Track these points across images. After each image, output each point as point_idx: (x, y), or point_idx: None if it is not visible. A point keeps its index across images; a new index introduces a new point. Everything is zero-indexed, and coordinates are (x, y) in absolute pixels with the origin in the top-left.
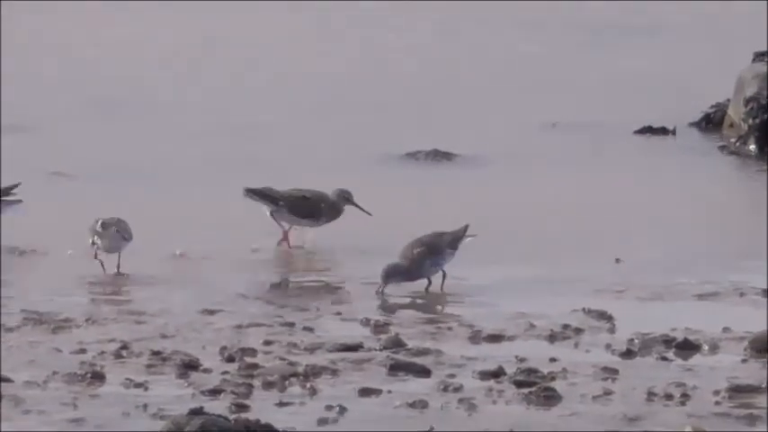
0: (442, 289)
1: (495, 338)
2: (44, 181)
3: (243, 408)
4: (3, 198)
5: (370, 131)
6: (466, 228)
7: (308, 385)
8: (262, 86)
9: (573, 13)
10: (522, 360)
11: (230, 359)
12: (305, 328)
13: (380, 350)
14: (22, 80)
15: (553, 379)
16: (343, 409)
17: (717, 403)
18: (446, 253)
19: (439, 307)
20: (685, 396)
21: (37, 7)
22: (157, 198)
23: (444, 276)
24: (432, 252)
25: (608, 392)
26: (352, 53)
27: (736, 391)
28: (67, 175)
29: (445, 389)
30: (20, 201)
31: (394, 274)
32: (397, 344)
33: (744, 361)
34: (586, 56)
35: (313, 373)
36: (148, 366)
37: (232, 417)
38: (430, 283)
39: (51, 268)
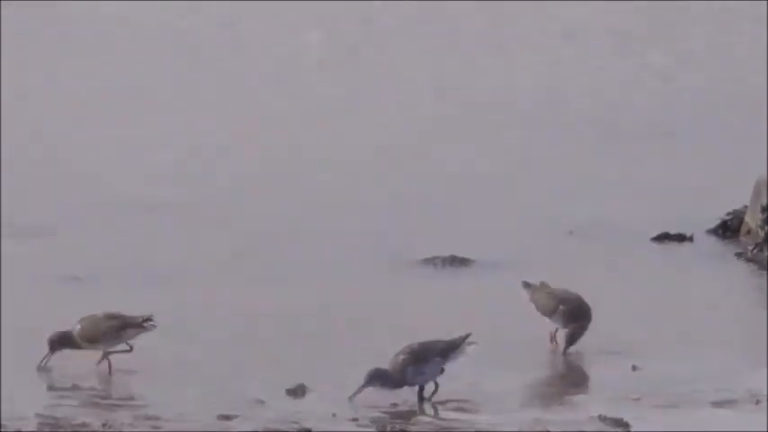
0: (430, 398)
1: None
2: (57, 285)
3: None
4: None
5: (385, 236)
6: (466, 337)
7: None
8: (274, 184)
9: (586, 116)
10: None
11: None
12: None
13: None
14: (34, 184)
15: None
16: None
17: None
18: (433, 362)
19: (455, 414)
20: None
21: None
22: (170, 298)
23: (436, 388)
24: (416, 360)
25: None
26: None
27: None
28: (81, 279)
29: None
30: (154, 326)
31: (376, 378)
32: None
33: None
34: (602, 159)
35: None
36: None
37: None
38: (435, 388)
39: (66, 372)
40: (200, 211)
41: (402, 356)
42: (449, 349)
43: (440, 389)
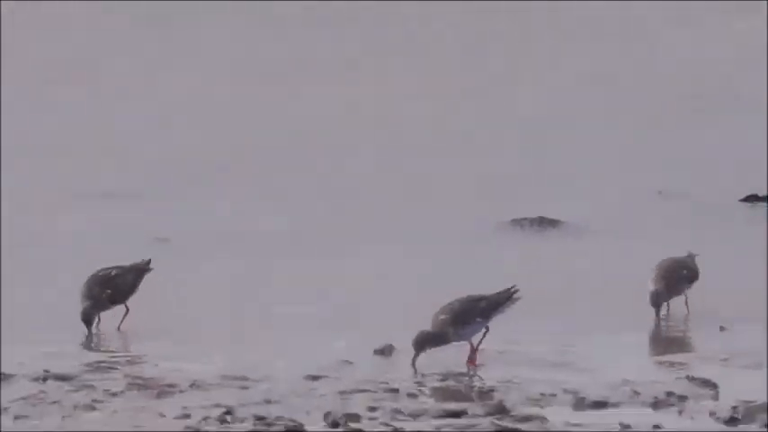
0: (471, 360)
1: (600, 405)
2: (148, 247)
3: None
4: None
5: (475, 197)
6: (510, 291)
7: None
8: (357, 147)
9: (677, 86)
10: (626, 427)
11: (334, 425)
12: (409, 395)
13: (484, 416)
14: (124, 147)
15: None
16: None
17: None
18: (473, 323)
19: (543, 373)
20: None
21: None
22: (257, 263)
23: (478, 345)
24: (456, 321)
25: None
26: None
27: None
28: (169, 241)
29: None
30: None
31: (422, 342)
32: (501, 410)
33: None
34: (689, 127)
35: None
36: None
37: None
38: (479, 342)
39: (155, 333)
40: (291, 177)
41: (442, 317)
42: (491, 308)
43: (521, 346)
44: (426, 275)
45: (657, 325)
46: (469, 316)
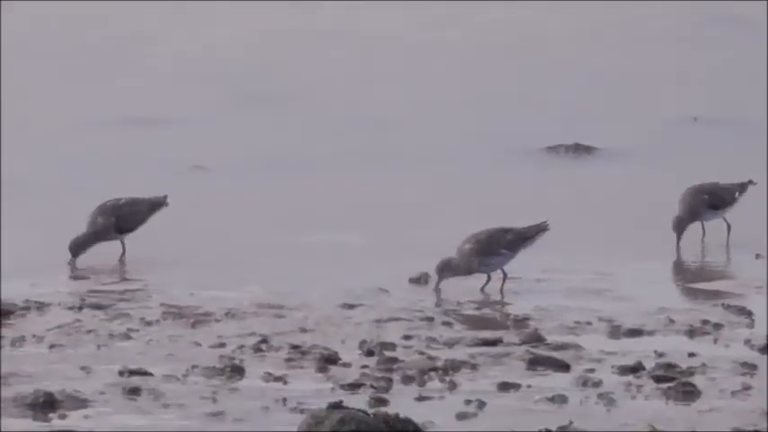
0: (501, 291)
1: (635, 333)
2: (186, 175)
3: (382, 402)
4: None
5: (510, 124)
6: (541, 226)
7: (448, 379)
8: (396, 79)
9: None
10: (661, 355)
11: (370, 353)
12: (444, 323)
13: (520, 345)
14: (162, 74)
15: (692, 374)
16: (482, 404)
17: None
18: (499, 254)
19: (578, 302)
20: None
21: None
22: (295, 190)
23: (504, 277)
24: (481, 251)
25: (747, 387)
26: (488, 42)
27: None
28: (206, 169)
29: (584, 384)
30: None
31: (445, 269)
32: (536, 339)
33: None
34: (723, 51)
35: (452, 367)
36: (288, 360)
37: (371, 411)
38: (488, 280)
39: (191, 262)
40: (326, 104)
41: (468, 246)
42: (518, 240)
43: (556, 274)
44: (461, 204)
45: (693, 253)
46: (495, 247)
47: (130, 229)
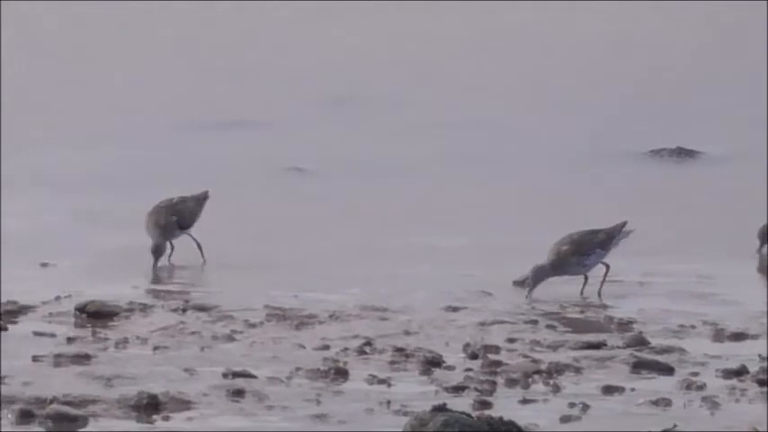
0: (600, 291)
1: (739, 337)
2: (280, 177)
3: (486, 405)
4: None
5: (612, 127)
6: (622, 225)
7: (552, 382)
8: (496, 81)
9: None
10: (765, 359)
11: (474, 356)
12: (548, 326)
13: (624, 348)
14: (258, 76)
15: None
16: (585, 407)
17: None
18: (595, 253)
19: (681, 305)
20: None
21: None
22: (396, 193)
23: (605, 278)
24: (578, 251)
25: None
26: (589, 43)
27: None
28: (304, 171)
29: (688, 387)
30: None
31: (539, 275)
32: (640, 342)
33: None
34: None
35: (556, 370)
36: (392, 363)
37: (475, 414)
38: (585, 281)
39: (293, 264)
40: (425, 107)
41: (564, 247)
42: (608, 240)
43: (660, 278)
44: (563, 206)
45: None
46: (590, 246)
47: (190, 225)
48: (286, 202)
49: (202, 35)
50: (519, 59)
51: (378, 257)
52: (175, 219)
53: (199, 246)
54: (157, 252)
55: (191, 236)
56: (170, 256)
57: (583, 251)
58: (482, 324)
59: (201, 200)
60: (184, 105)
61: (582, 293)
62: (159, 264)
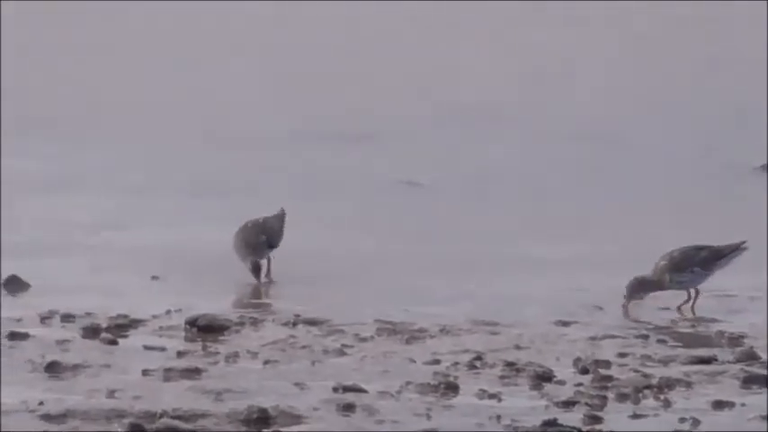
0: (692, 309)
1: None
2: (394, 190)
3: (596, 420)
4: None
5: (727, 140)
6: (738, 245)
7: (662, 397)
8: (606, 94)
9: None
10: None
11: (584, 371)
12: (659, 341)
13: (734, 363)
14: (368, 88)
15: None
16: (696, 422)
17: None
18: (693, 272)
19: None
20: None
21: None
22: (507, 206)
23: (696, 295)
24: (675, 268)
25: None
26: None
27: None
28: (417, 184)
29: None
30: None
31: (636, 288)
32: (751, 357)
33: None
34: None
35: (667, 385)
36: (502, 377)
37: (585, 429)
38: (688, 299)
39: (404, 278)
40: (531, 120)
41: (662, 263)
42: (712, 258)
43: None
44: (674, 219)
45: None
46: (687, 264)
47: (277, 245)
48: (398, 215)
49: (321, 44)
50: (633, 73)
51: (489, 271)
52: (265, 238)
53: (269, 263)
54: (256, 270)
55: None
56: (267, 272)
57: (679, 268)
58: (593, 339)
59: (281, 218)
60: (301, 117)
61: (692, 309)
62: (262, 279)
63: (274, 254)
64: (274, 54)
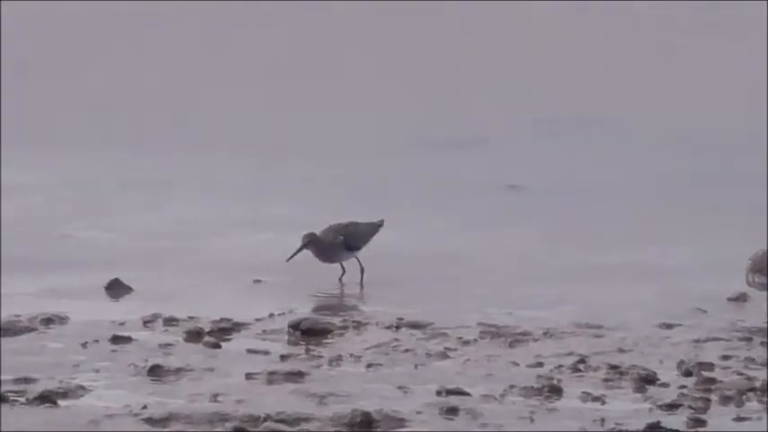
0: None
1: None
2: (498, 194)
3: (700, 422)
4: None
5: None
6: None
7: (766, 400)
8: (714, 101)
9: None
10: None
11: (688, 374)
12: (762, 343)
13: None
14: (477, 95)
15: None
16: None
17: None
18: None
19: None
20: None
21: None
22: (610, 212)
23: None
24: (755, 269)
25: None
26: None
27: None
28: (521, 188)
29: None
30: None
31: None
32: None
33: None
34: None
35: None
36: (605, 380)
37: (689, 431)
38: None
39: (507, 281)
40: (634, 128)
41: (749, 262)
42: None
43: None
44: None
45: None
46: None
47: (357, 248)
48: (502, 219)
49: (422, 51)
50: (731, 75)
51: (592, 275)
52: (342, 239)
53: (362, 270)
54: (298, 250)
55: (357, 260)
56: (342, 275)
57: (760, 269)
58: (696, 341)
59: (376, 226)
60: (407, 124)
61: None
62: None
63: (371, 258)
64: (383, 59)
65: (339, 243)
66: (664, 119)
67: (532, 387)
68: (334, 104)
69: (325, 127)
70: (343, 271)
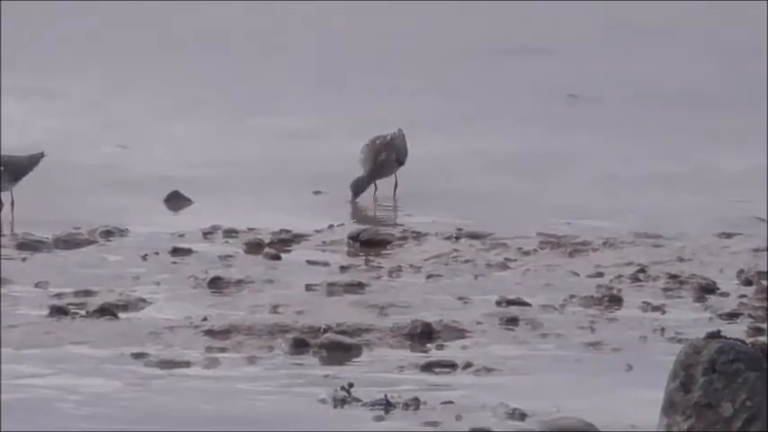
0: None
1: None
2: (561, 103)
3: (760, 332)
4: None
5: None
6: None
7: None
8: None
9: None
10: None
11: (748, 282)
12: None
13: None
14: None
15: None
16: None
17: None
18: None
19: None
20: None
21: None
22: (672, 119)
23: None
24: None
25: None
26: None
27: None
28: (581, 97)
29: None
30: None
31: None
32: None
33: None
34: None
35: None
36: (665, 290)
37: (749, 340)
38: None
39: (565, 191)
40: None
41: None
42: None
43: None
44: None
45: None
46: None
47: (404, 162)
48: (561, 128)
49: None
50: None
51: (653, 184)
52: (395, 155)
53: (396, 184)
54: (358, 188)
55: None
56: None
57: None
58: (756, 250)
59: (403, 137)
60: (468, 32)
61: None
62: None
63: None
64: None
65: (393, 160)
66: (743, 31)
67: (592, 297)
68: (401, 8)
69: (389, 34)
70: (397, 184)
